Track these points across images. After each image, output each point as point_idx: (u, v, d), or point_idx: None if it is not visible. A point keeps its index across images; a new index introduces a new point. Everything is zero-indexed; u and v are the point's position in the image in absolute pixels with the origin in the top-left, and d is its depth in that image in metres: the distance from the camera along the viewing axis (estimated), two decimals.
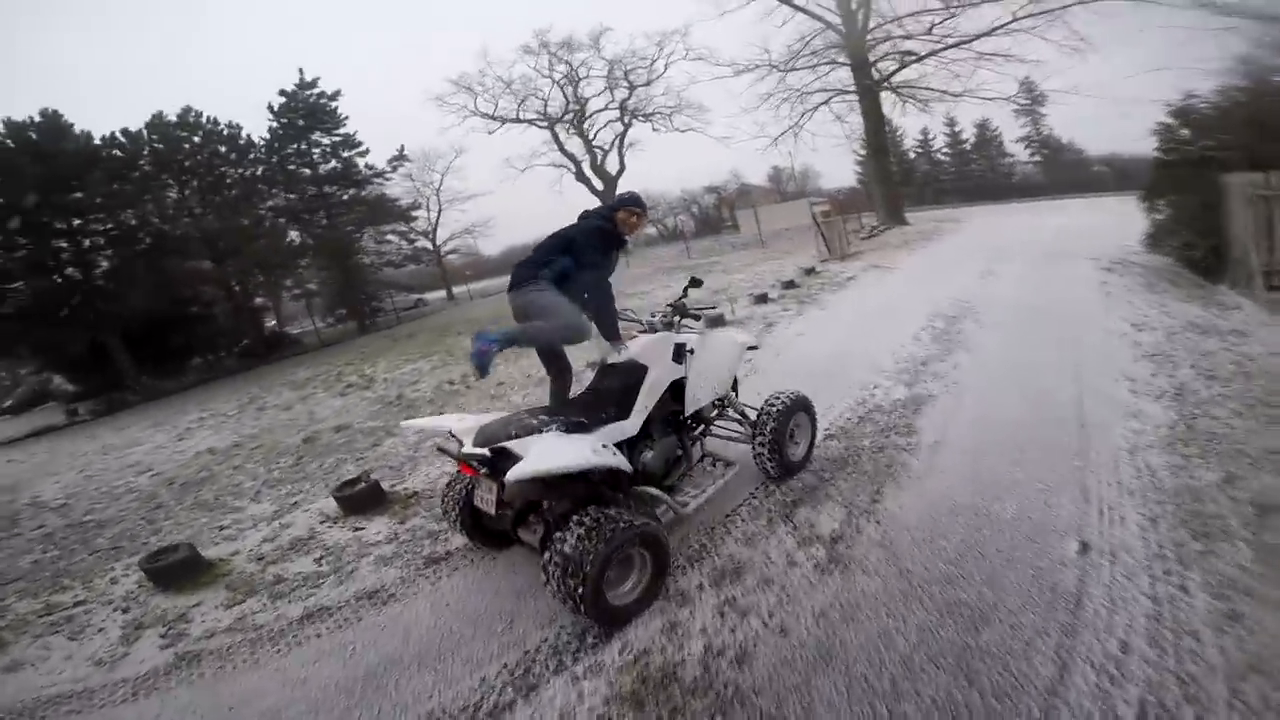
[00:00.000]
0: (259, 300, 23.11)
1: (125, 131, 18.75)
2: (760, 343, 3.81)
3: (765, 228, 23.64)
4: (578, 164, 33.59)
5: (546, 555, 2.39)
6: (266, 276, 21.58)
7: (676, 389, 3.20)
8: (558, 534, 2.40)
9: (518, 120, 32.22)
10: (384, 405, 8.16)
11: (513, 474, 2.15)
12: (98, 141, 17.90)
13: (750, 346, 3.83)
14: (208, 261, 19.10)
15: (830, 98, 21.25)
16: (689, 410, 3.26)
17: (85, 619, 3.72)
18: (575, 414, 2.79)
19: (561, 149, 33.44)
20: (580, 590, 2.28)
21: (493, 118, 31.58)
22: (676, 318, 3.43)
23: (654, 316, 3.50)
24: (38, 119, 16.84)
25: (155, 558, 4.05)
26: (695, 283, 3.62)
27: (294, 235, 22.34)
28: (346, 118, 23.68)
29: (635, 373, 3.04)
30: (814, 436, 3.78)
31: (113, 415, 15.24)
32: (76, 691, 2.98)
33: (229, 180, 20.65)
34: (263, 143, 22.05)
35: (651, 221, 45.85)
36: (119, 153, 18.30)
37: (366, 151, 24.10)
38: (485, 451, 2.51)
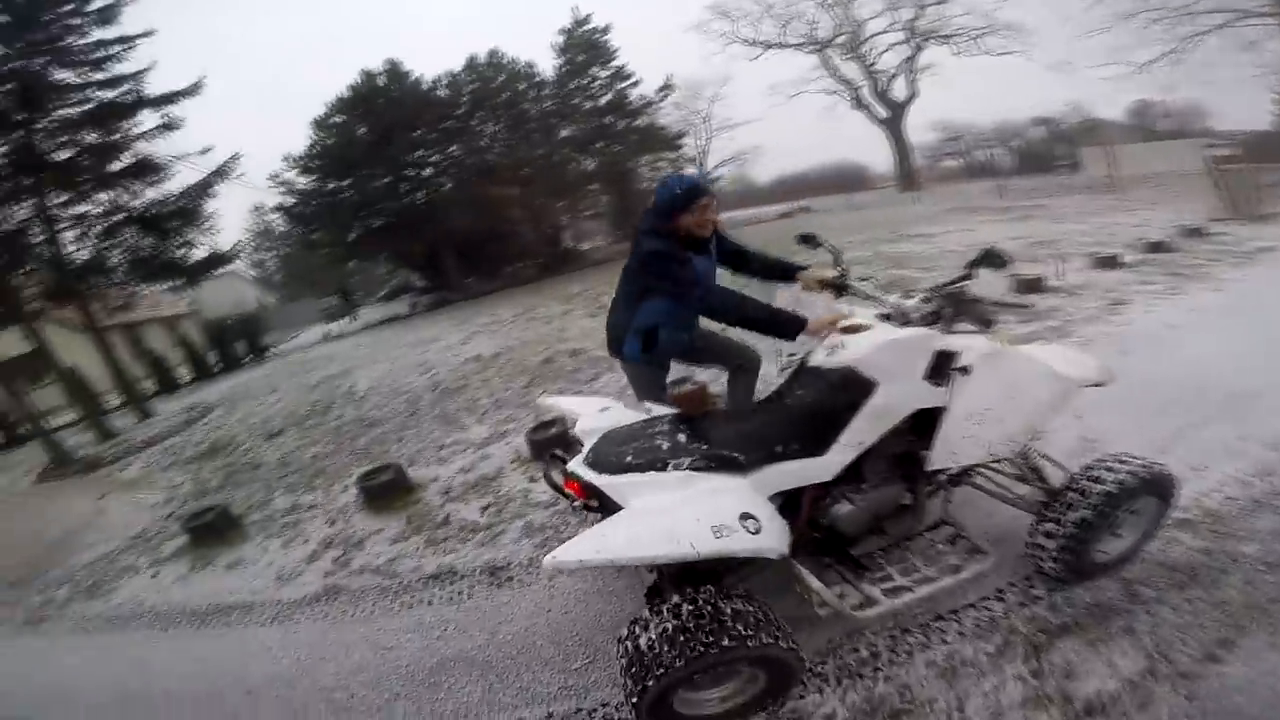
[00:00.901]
0: (557, 220, 25.76)
1: (449, 74, 21.64)
2: (1111, 368, 2.06)
3: (1123, 171, 17.90)
4: (854, 90, 29.63)
5: (623, 632, 1.72)
6: (560, 200, 23.87)
7: (923, 420, 1.97)
8: (640, 617, 1.70)
9: (781, 45, 29.48)
10: None
11: (552, 559, 1.47)
12: (427, 85, 21.03)
13: (1093, 384, 2.17)
14: (515, 187, 21.67)
15: (1233, 19, 14.75)
16: (940, 464, 1.99)
17: (303, 527, 4.14)
18: (734, 437, 1.86)
19: (834, 74, 29.77)
20: (637, 698, 1.60)
21: (754, 43, 29.37)
22: (947, 308, 2.01)
23: (907, 299, 2.13)
24: (384, 68, 20.41)
25: (370, 475, 4.34)
26: (994, 260, 2.05)
27: (583, 164, 23.97)
28: (618, 50, 24.18)
29: (851, 388, 1.89)
30: (1153, 533, 2.18)
31: (439, 310, 18.68)
32: (242, 604, 3.26)
33: (529, 115, 22.76)
34: (552, 79, 23.59)
35: (956, 154, 38.77)
36: (444, 94, 21.25)
37: (638, 82, 24.51)
38: (582, 474, 1.84)
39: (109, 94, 11.08)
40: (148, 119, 11.56)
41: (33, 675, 3.22)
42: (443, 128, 20.59)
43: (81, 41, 10.68)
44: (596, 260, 23.20)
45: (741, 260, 2.73)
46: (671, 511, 1.62)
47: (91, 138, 10.88)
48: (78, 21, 10.55)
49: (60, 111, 10.36)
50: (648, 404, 2.36)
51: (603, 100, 23.75)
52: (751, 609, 1.65)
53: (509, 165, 21.26)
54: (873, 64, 29.58)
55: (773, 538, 1.61)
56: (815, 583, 1.83)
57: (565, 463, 1.96)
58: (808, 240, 2.61)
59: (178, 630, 3.28)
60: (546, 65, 24.70)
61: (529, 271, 23.18)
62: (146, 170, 11.52)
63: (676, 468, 1.75)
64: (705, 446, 1.81)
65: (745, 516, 1.61)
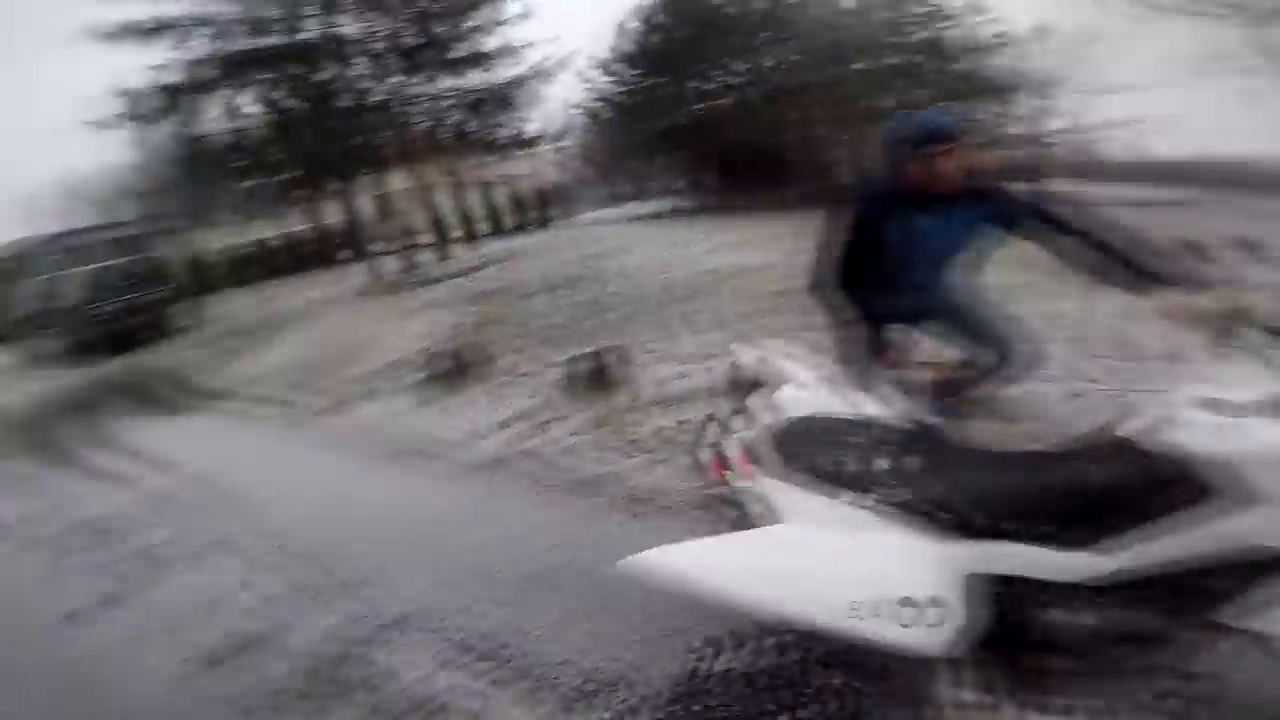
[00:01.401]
0: (836, 154, 23.74)
1: None
2: None
3: None
4: None
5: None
6: (845, 134, 21.64)
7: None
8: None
9: (1197, 12, 20.87)
10: None
11: (630, 563, 1.13)
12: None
13: None
14: (798, 112, 20.21)
15: None
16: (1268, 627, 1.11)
17: (512, 391, 4.41)
18: (966, 486, 1.21)
19: (1267, 54, 20.55)
20: None
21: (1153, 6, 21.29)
22: None
23: None
24: None
25: (578, 359, 4.40)
26: None
27: (881, 99, 21.19)
28: None
29: (1205, 488, 1.06)
30: None
31: (698, 215, 18.74)
32: (432, 451, 3.61)
33: (821, 42, 20.65)
34: (853, 8, 20.56)
35: None
36: (733, 10, 19.92)
37: (993, 19, 20.12)
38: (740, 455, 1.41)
39: None
40: (486, 12, 12.84)
41: (249, 467, 4.02)
42: (730, 43, 19.81)
43: None
44: None
45: (1054, 233, 1.90)
46: (815, 555, 1.14)
47: (438, 29, 12.39)
48: None
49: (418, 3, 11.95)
50: (877, 392, 1.72)
51: (914, 38, 20.41)
52: None
53: (794, 91, 19.82)
54: None
55: (936, 634, 1.07)
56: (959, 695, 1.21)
57: (729, 430, 1.54)
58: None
59: (375, 461, 3.81)
60: None
61: (794, 198, 21.86)
62: (481, 59, 12.98)
63: (860, 500, 1.20)
64: (917, 485, 1.21)
65: (908, 603, 1.06)
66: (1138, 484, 1.15)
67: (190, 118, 10.49)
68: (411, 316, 7.52)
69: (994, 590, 1.19)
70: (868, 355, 2.21)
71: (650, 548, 1.35)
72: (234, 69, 9.99)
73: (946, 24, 20.91)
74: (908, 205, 1.98)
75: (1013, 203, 2.00)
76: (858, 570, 1.11)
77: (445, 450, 3.71)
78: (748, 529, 1.33)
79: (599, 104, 22.25)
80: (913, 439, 1.36)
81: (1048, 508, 1.18)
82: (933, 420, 1.65)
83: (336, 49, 11.03)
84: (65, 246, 22.30)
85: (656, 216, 20.05)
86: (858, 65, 20.89)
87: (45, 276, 11.46)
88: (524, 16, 12.91)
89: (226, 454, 4.48)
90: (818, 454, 1.30)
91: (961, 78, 20.61)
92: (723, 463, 1.46)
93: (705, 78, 20.74)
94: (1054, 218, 1.92)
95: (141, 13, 9.46)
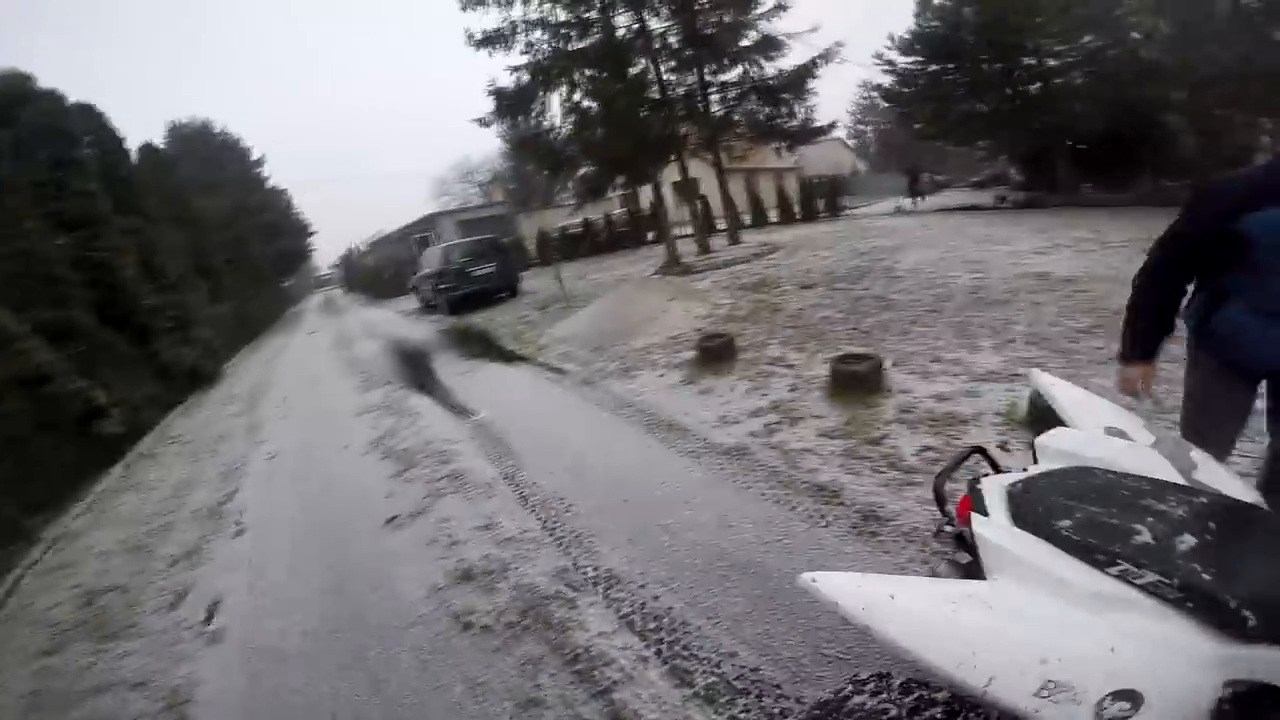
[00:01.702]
0: (1248, 137, 17.74)
1: None
2: None
3: None
4: None
5: None
6: (1260, 114, 15.89)
7: None
8: None
9: None
10: None
11: (810, 579, 1.09)
12: None
13: None
14: (1181, 91, 15.57)
15: None
16: None
17: (771, 383, 4.38)
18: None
19: None
20: None
21: None
22: None
23: None
24: None
25: (846, 359, 4.17)
26: None
27: None
28: None
29: None
30: None
31: (1027, 211, 15.94)
32: (685, 427, 3.82)
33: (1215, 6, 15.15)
34: None
35: None
36: None
37: None
38: (986, 498, 1.24)
39: None
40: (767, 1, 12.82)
41: (542, 415, 4.77)
42: (1078, 14, 15.90)
43: None
44: None
45: None
46: (1015, 619, 0.98)
47: (728, 18, 12.73)
48: None
49: None
50: (1201, 461, 1.32)
51: None
52: None
53: (1173, 65, 15.10)
54: None
55: None
56: None
57: (991, 471, 1.36)
58: None
59: (637, 427, 4.14)
60: None
61: (1177, 191, 16.91)
62: (768, 47, 13.11)
63: (1124, 574, 0.96)
64: (1209, 572, 0.91)
65: (1125, 697, 0.86)
66: None
67: (536, 113, 12.61)
68: (696, 298, 7.97)
69: (1250, 701, 0.91)
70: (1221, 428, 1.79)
71: (858, 572, 1.27)
72: (564, 68, 11.63)
73: None
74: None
75: None
76: (1069, 646, 0.92)
77: (697, 428, 3.88)
78: (964, 578, 1.20)
79: (903, 88, 20.30)
80: (1211, 515, 1.06)
81: None
82: (1252, 499, 1.22)
83: (644, 44, 12.09)
84: (456, 221, 28.82)
85: (952, 210, 17.65)
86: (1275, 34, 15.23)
87: (442, 244, 15.30)
88: (783, 7, 12.75)
89: (531, 401, 5.41)
90: (1066, 511, 1.10)
91: None
92: (962, 503, 1.27)
93: (1028, 54, 17.47)
94: None
95: (496, 21, 11.63)
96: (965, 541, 1.21)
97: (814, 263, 9.51)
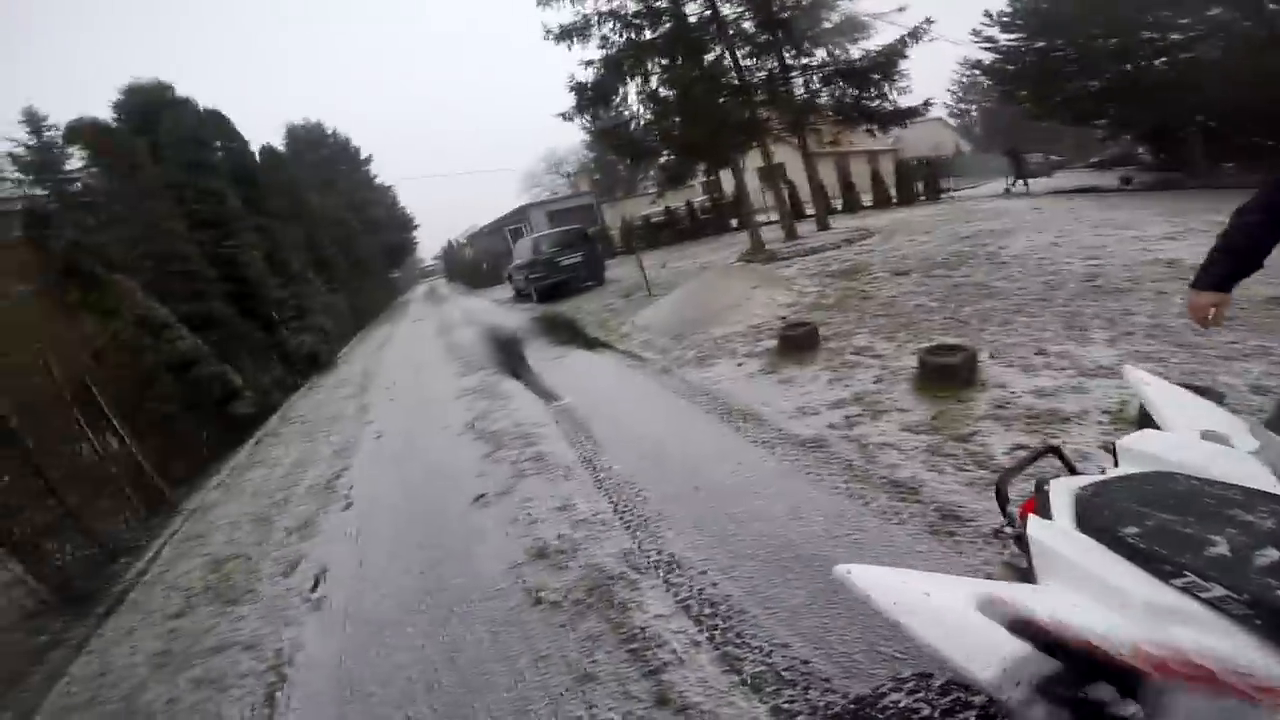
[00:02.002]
0: None
1: None
2: None
3: None
4: None
5: None
6: None
7: None
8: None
9: None
10: None
11: (845, 570, 1.07)
12: None
13: None
14: None
15: None
16: None
17: (854, 373, 4.24)
18: None
19: None
20: None
21: None
22: None
23: None
24: None
25: (937, 351, 3.97)
26: None
27: None
28: None
29: None
30: None
31: (1156, 193, 14.36)
32: (761, 417, 3.85)
33: None
34: None
35: None
36: None
37: None
38: (1054, 502, 1.16)
39: None
40: None
41: (623, 401, 4.84)
42: None
43: None
44: None
45: None
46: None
47: (804, 0, 12.20)
48: None
49: None
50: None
51: None
52: None
53: None
54: None
55: None
56: None
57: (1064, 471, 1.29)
58: None
59: (714, 415, 4.12)
60: None
61: None
62: (851, 29, 12.55)
63: (1190, 587, 0.88)
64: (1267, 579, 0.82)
65: None
66: None
67: (615, 104, 12.70)
68: (780, 285, 7.80)
69: None
70: None
71: (933, 573, 1.22)
72: (641, 58, 11.61)
73: None
74: None
75: None
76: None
77: (774, 418, 3.83)
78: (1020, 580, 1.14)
79: (1006, 65, 18.68)
80: None
81: None
82: None
83: (718, 30, 11.85)
84: (545, 212, 29.67)
85: (1066, 192, 16.07)
86: None
87: (532, 235, 15.89)
88: None
89: (612, 387, 5.53)
90: (1135, 517, 1.02)
91: None
92: (1026, 504, 1.20)
93: (1150, 28, 15.60)
94: None
95: (570, 16, 11.75)
96: (1025, 544, 1.15)
97: (909, 248, 9.03)
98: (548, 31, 11.80)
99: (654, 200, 18.69)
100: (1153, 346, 4.00)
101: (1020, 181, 18.89)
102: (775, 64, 13.13)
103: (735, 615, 2.16)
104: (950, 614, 0.96)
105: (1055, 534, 1.06)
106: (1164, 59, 16.30)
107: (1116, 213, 10.55)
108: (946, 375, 3.75)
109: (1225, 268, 1.82)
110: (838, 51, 13.06)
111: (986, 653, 0.90)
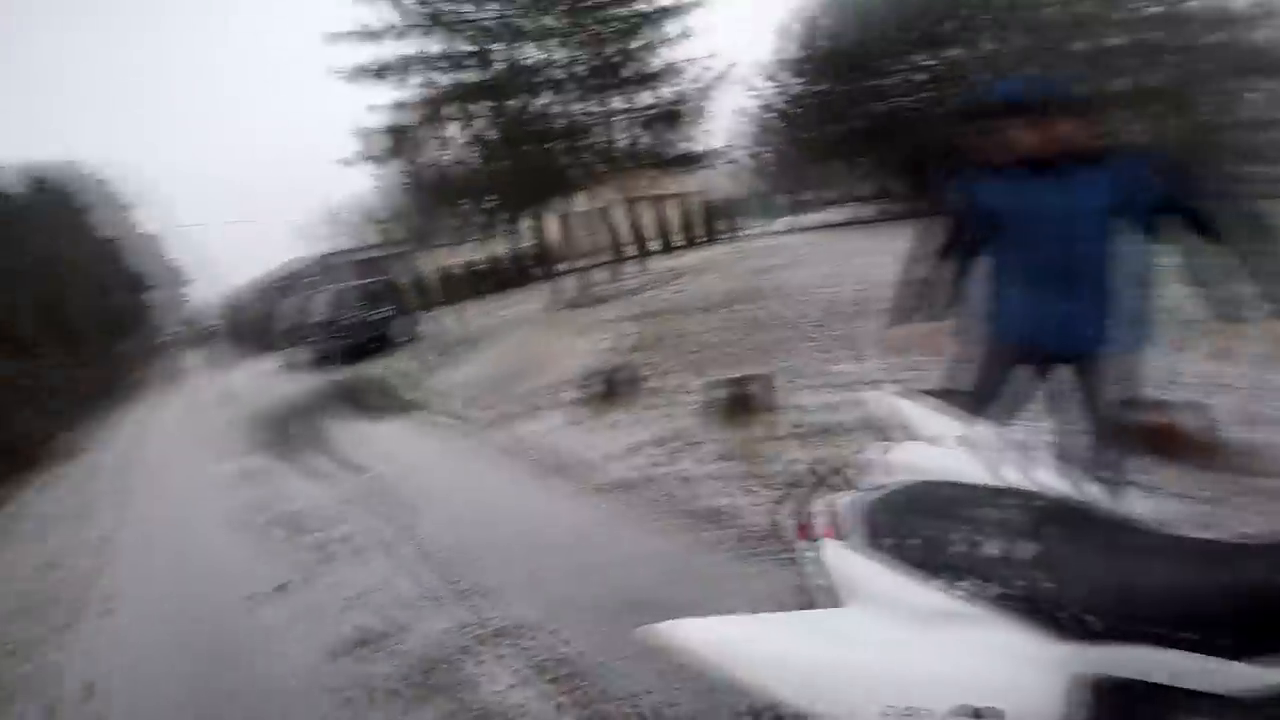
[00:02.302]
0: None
1: None
2: None
3: None
4: None
5: None
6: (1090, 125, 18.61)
7: None
8: None
9: None
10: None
11: (650, 631, 1.10)
12: None
13: None
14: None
15: None
16: None
17: (670, 411, 4.50)
18: (1109, 584, 0.95)
19: None
20: None
21: None
22: None
23: None
24: None
25: (737, 382, 4.36)
26: None
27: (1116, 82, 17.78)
28: None
29: None
30: None
31: (909, 221, 17.25)
32: (580, 464, 3.91)
33: (1057, 20, 17.89)
34: None
35: None
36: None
37: None
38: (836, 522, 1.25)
39: (641, 8, 13.02)
40: (669, 28, 13.26)
41: (419, 473, 4.57)
42: (943, 29, 17.97)
43: None
44: None
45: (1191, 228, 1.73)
46: (863, 647, 0.98)
47: (632, 46, 13.07)
48: None
49: (613, 24, 12.73)
50: (1048, 463, 1.42)
51: (1148, 11, 16.56)
52: None
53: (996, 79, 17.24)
54: None
55: None
56: None
57: (847, 490, 1.38)
58: None
59: (540, 469, 4.08)
60: None
61: None
62: (670, 74, 13.43)
63: (969, 589, 1.00)
64: (1046, 579, 0.97)
65: (982, 712, 0.88)
66: None
67: (413, 151, 12.39)
68: (581, 335, 8.00)
69: (1103, 696, 0.96)
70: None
71: (750, 594, 1.25)
72: (443, 104, 11.49)
73: None
74: (998, 178, 1.88)
75: (1138, 182, 1.72)
76: (920, 669, 0.94)
77: (582, 470, 3.88)
78: (812, 605, 1.21)
79: (771, 113, 21.73)
80: (1045, 517, 1.10)
81: (1210, 613, 0.92)
82: (1084, 495, 1.32)
83: (525, 79, 12.17)
84: (322, 267, 27.31)
85: (837, 226, 18.91)
86: (1077, 45, 17.76)
87: (303, 294, 14.50)
88: (686, 35, 13.14)
89: (406, 460, 5.14)
90: (913, 529, 1.13)
91: (1210, 55, 16.37)
92: (809, 526, 1.30)
93: (885, 74, 19.23)
94: (1193, 209, 1.70)
95: (369, 55, 11.27)
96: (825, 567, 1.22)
97: (717, 285, 9.87)
98: (354, 69, 11.18)
99: (474, 248, 18.24)
100: (914, 358, 4.75)
101: (797, 218, 21.70)
102: (599, 108, 13.63)
103: (589, 671, 2.13)
104: (775, 654, 1.00)
105: (850, 556, 1.14)
106: (910, 98, 19.74)
107: (876, 241, 12.48)
108: (752, 403, 4.13)
109: (919, 308, 2.11)
110: (657, 96, 13.78)
111: (817, 685, 0.94)
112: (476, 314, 14.08)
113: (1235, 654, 0.87)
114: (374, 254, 28.53)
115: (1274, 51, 16.36)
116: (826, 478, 1.52)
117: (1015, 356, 2.02)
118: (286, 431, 7.13)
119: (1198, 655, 0.88)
